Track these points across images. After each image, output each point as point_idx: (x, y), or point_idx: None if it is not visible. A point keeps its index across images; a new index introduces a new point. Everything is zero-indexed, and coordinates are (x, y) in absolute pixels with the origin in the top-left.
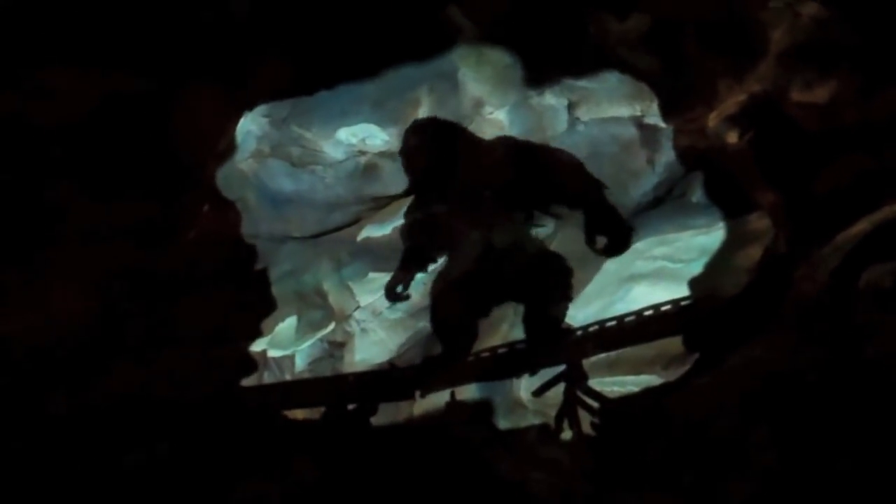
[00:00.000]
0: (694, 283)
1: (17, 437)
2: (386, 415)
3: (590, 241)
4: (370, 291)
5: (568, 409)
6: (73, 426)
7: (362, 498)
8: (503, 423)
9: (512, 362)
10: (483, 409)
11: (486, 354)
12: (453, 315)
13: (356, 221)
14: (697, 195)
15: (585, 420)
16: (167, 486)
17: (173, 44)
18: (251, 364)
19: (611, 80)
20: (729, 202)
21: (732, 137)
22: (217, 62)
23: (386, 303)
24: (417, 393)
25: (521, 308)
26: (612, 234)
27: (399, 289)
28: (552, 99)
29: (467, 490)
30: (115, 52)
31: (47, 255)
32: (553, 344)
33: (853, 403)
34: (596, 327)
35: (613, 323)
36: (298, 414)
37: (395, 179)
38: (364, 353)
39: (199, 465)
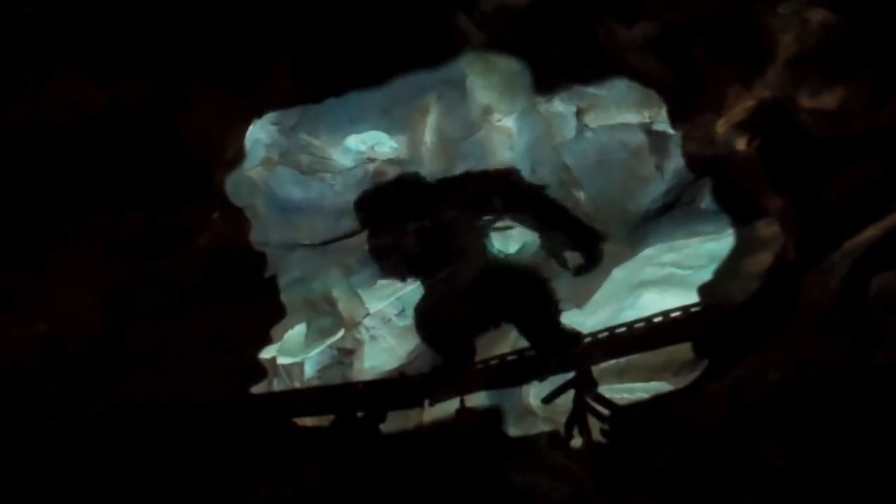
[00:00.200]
0: (703, 290)
1: (26, 444)
2: (395, 422)
3: (559, 258)
4: (379, 298)
5: (578, 416)
6: (84, 433)
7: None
8: (513, 430)
9: (521, 369)
10: (493, 416)
11: (495, 362)
12: (461, 324)
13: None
14: (706, 202)
15: (595, 427)
16: (178, 491)
17: (182, 52)
18: (261, 371)
19: (619, 86)
20: (738, 209)
21: (741, 144)
22: (226, 70)
23: (395, 310)
24: (426, 401)
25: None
26: (576, 240)
27: None
28: (561, 106)
29: (477, 497)
30: (123, 59)
31: (57, 262)
32: (560, 345)
33: (864, 409)
34: (605, 334)
35: (623, 329)
36: (308, 421)
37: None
38: (373, 360)
39: (209, 472)
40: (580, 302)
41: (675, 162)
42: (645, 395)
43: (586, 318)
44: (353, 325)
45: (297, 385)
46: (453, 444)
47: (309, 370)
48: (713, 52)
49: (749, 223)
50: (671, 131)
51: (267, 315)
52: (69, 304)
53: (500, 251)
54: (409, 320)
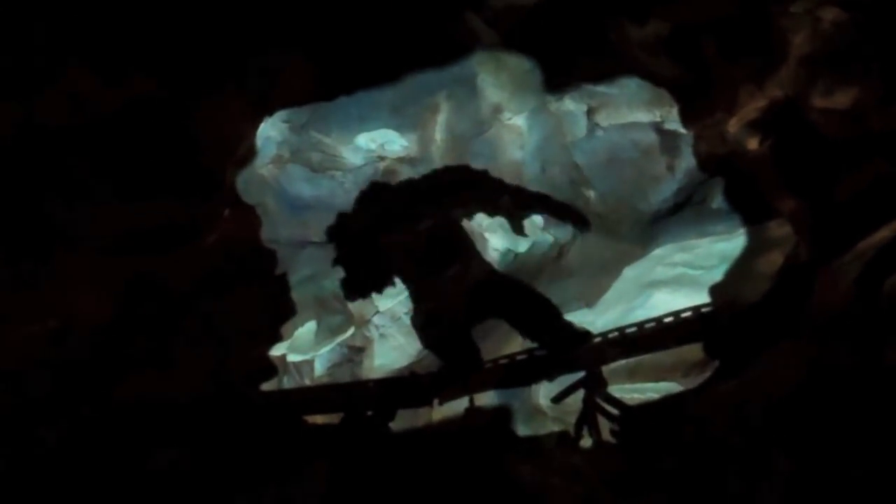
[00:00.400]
0: (714, 290)
1: (36, 444)
2: (405, 420)
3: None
4: (389, 296)
5: (587, 416)
6: (94, 430)
7: (381, 503)
8: (522, 430)
9: (531, 369)
10: (502, 415)
11: (504, 361)
12: (463, 325)
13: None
14: (717, 201)
15: (605, 427)
16: (186, 489)
17: (194, 51)
18: (271, 369)
19: (630, 85)
20: (749, 208)
21: (753, 143)
22: (237, 69)
23: (405, 308)
24: (436, 400)
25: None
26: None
27: None
28: (571, 104)
29: (486, 496)
30: (136, 58)
31: (67, 260)
32: (569, 344)
33: (875, 411)
34: (616, 334)
35: (633, 329)
36: (318, 418)
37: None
38: (383, 358)
39: (218, 470)
40: (590, 301)
41: (687, 161)
42: (655, 396)
43: (596, 317)
44: (363, 323)
45: (308, 382)
46: (462, 443)
47: (319, 368)
48: (725, 51)
49: (761, 223)
50: (682, 130)
51: (277, 312)
52: (79, 300)
53: (509, 250)
54: None
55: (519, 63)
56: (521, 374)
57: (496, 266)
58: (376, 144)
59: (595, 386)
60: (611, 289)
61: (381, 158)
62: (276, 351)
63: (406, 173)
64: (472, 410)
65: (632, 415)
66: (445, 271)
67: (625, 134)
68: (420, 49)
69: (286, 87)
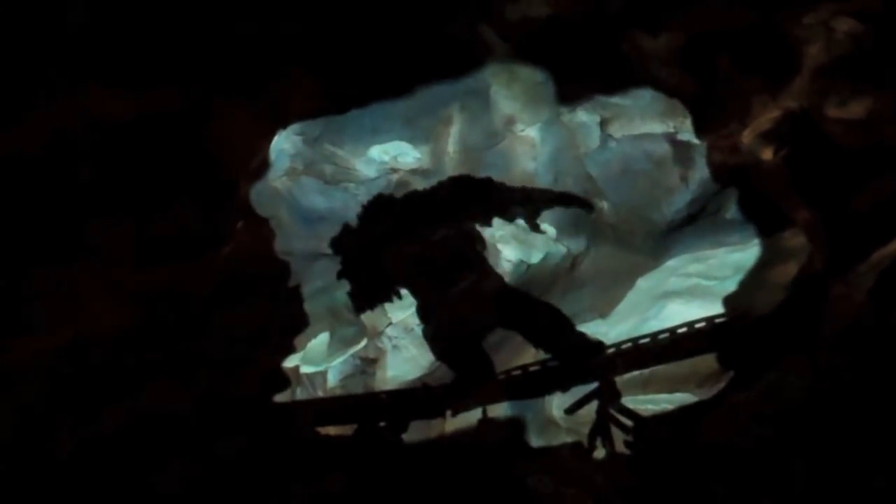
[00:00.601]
0: (728, 301)
1: (49, 454)
2: (418, 432)
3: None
4: (402, 308)
5: (601, 427)
6: (109, 442)
7: None
8: (536, 441)
9: (544, 380)
10: (515, 426)
11: (517, 372)
12: (476, 337)
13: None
14: (731, 212)
15: (619, 438)
16: (199, 500)
17: (208, 64)
18: (284, 380)
19: (644, 96)
20: (763, 219)
21: (767, 154)
22: (251, 82)
23: (417, 319)
24: (449, 411)
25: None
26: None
27: None
28: (584, 116)
29: None
30: (152, 71)
31: (85, 270)
32: (583, 355)
33: (891, 422)
34: (629, 344)
35: (647, 340)
36: (331, 430)
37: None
38: (396, 370)
39: (229, 482)
40: (604, 312)
41: (700, 172)
42: (669, 407)
43: (610, 328)
44: (375, 335)
45: (321, 394)
46: (475, 454)
47: (332, 379)
48: (739, 62)
49: (775, 234)
50: (696, 141)
51: (290, 324)
52: (96, 311)
53: (521, 261)
54: None
55: (532, 75)
56: (534, 385)
57: (509, 277)
58: (389, 156)
59: (609, 397)
60: (624, 300)
61: (394, 170)
62: (290, 362)
63: (419, 185)
64: (485, 422)
65: (646, 426)
66: (458, 283)
67: (638, 145)
68: (433, 61)
69: (299, 100)
